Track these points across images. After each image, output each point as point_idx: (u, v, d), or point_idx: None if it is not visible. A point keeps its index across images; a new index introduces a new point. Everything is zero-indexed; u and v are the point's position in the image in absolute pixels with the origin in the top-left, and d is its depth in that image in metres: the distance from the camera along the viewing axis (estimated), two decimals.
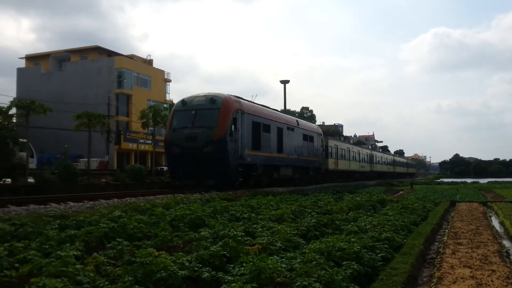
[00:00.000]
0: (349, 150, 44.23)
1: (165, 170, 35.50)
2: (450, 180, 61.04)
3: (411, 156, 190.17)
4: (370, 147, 68.41)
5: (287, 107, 67.84)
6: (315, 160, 30.77)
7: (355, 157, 46.41)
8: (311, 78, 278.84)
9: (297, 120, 29.11)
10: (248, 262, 5.25)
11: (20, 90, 51.01)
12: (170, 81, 60.34)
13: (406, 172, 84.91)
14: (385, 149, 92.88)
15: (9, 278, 4.79)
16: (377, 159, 58.61)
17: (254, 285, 4.52)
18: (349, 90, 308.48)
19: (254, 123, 21.32)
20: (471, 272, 6.00)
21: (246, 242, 6.99)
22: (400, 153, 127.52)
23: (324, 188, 26.16)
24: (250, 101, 23.16)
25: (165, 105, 51.15)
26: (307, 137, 29.32)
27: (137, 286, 4.43)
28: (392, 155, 79.49)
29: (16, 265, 5.28)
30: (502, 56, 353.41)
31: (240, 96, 21.99)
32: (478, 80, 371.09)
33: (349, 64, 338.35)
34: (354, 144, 53.31)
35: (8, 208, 10.76)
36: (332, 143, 37.36)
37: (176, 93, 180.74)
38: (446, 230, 10.10)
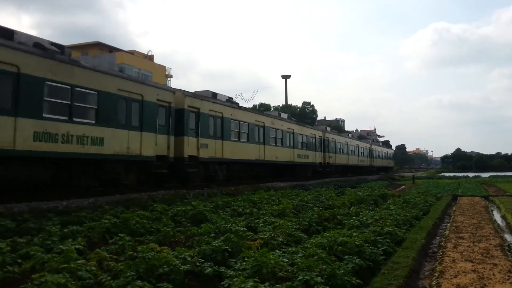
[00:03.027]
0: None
1: None
2: (452, 174, 60.96)
3: (413, 151, 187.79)
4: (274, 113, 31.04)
5: (289, 103, 67.36)
6: None
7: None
8: (312, 74, 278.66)
9: None
10: (250, 257, 5.26)
11: None
12: (171, 76, 60.26)
13: (368, 165, 50.62)
14: (386, 143, 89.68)
15: (12, 273, 4.80)
16: (276, 136, 26.43)
17: (256, 279, 4.53)
18: (349, 85, 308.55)
19: None
20: (472, 266, 6.00)
21: (248, 237, 7.01)
22: (401, 147, 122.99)
23: (325, 183, 26.20)
24: None
25: None
26: None
27: (139, 281, 4.43)
28: (338, 134, 42.97)
29: (19, 260, 5.30)
30: (502, 51, 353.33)
31: None
32: (479, 75, 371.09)
33: (349, 59, 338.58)
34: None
35: (10, 204, 10.76)
36: None
37: None
38: (448, 224, 10.10)
